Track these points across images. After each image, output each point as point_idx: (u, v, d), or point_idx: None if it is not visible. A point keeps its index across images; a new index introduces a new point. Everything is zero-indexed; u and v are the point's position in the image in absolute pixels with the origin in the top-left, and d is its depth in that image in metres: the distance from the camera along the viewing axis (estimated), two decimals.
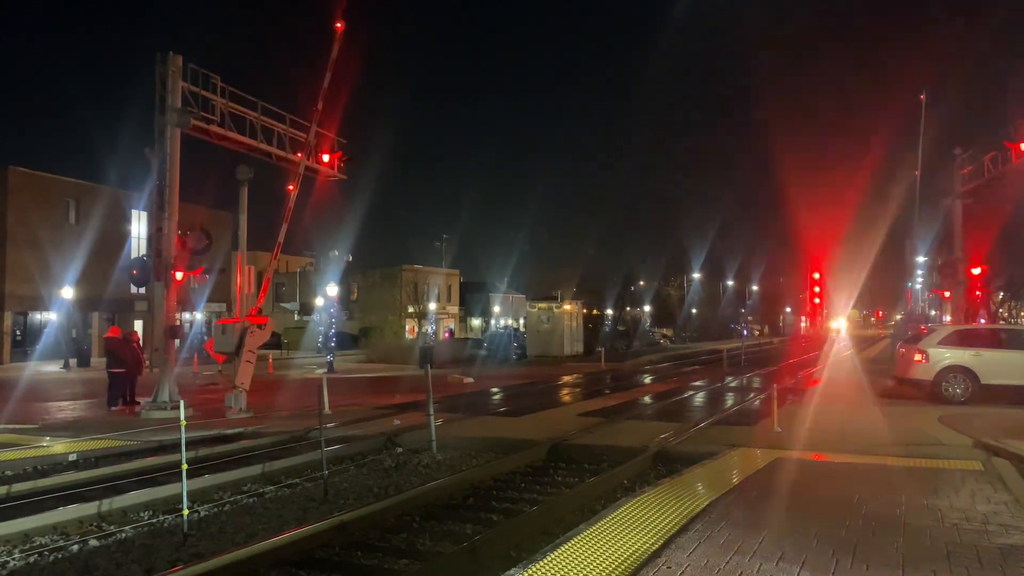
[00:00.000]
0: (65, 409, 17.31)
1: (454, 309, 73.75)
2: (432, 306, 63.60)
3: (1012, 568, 5.20)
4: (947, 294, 23.90)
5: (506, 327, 59.53)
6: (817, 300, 22.74)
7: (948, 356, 15.88)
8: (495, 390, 22.57)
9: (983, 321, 21.91)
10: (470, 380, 24.79)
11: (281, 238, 16.99)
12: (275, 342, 39.25)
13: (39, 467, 10.38)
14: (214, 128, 16.03)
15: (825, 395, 17.76)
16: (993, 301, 40.17)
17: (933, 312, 32.66)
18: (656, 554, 5.45)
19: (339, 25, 16.36)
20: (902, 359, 17.63)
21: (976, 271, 21.30)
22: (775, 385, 14.65)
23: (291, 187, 16.77)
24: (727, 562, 5.29)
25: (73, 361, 33.04)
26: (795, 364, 32.58)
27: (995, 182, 20.78)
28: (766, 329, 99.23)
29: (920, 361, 16.14)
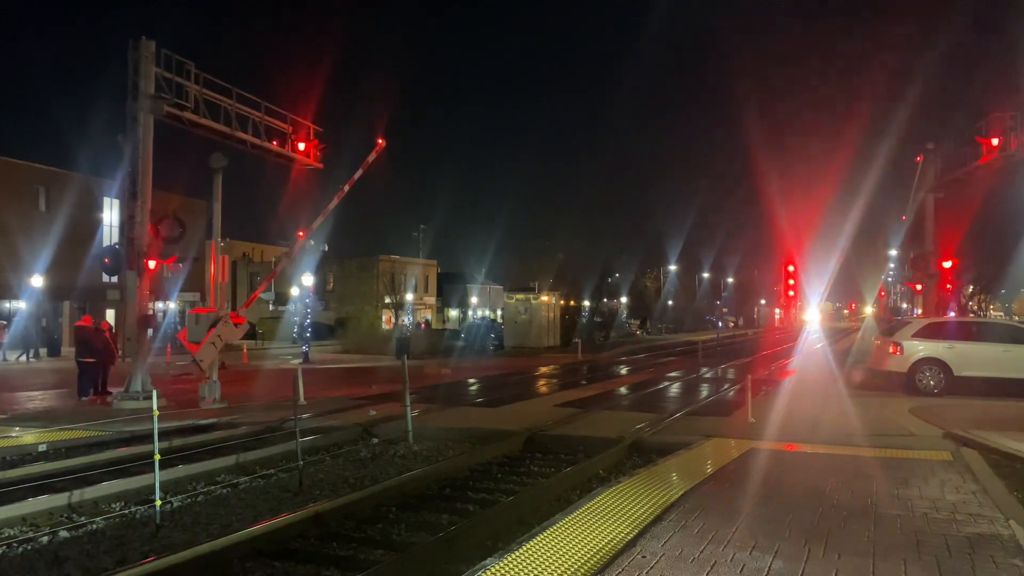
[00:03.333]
0: (35, 399, 17.04)
1: (431, 300, 73.60)
2: (409, 297, 63.41)
3: (980, 556, 5.29)
4: (919, 287, 24.19)
5: (483, 318, 59.59)
6: (791, 292, 22.89)
7: (922, 348, 16.09)
8: (472, 381, 22.55)
9: (953, 314, 22.23)
10: (447, 371, 24.75)
11: (276, 269, 19.70)
12: (250, 332, 38.86)
13: (7, 458, 10.21)
14: (188, 115, 15.78)
15: (798, 386, 17.93)
16: (964, 294, 40.83)
17: (905, 305, 33.12)
18: (631, 543, 5.48)
19: (380, 141, 18.08)
20: (877, 351, 17.84)
21: (947, 265, 21.57)
22: (749, 376, 14.76)
23: (301, 233, 18.54)
24: (701, 551, 5.33)
25: (43, 351, 32.51)
26: (769, 355, 32.89)
27: (966, 177, 21.02)
28: (741, 321, 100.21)
29: (894, 353, 16.35)
